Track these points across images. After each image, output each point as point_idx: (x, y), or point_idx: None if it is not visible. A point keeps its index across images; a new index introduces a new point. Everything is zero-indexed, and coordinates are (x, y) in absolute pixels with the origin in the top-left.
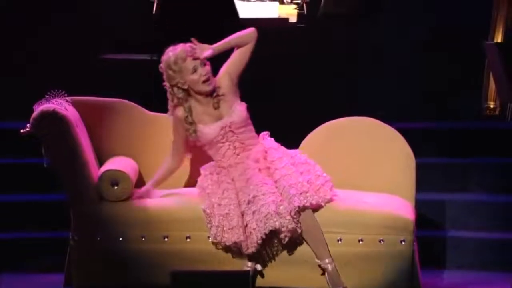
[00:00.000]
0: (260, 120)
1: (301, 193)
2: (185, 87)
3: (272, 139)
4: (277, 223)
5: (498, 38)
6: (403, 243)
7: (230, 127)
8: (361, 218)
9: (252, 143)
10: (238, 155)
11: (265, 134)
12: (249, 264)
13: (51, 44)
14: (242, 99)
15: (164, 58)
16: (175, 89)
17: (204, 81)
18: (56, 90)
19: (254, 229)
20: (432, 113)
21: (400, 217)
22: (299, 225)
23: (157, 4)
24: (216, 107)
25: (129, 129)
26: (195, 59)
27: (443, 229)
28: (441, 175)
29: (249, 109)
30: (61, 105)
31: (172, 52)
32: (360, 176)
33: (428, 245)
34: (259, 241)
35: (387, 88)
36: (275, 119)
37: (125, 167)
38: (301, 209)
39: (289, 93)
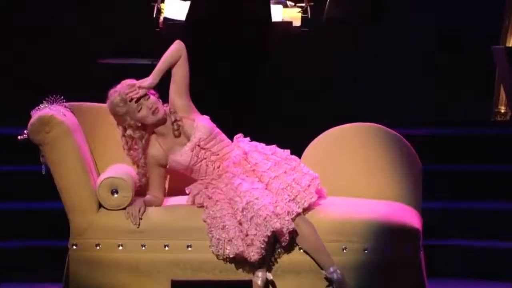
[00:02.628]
0: (260, 126)
1: (293, 198)
2: (138, 125)
3: (247, 139)
4: (277, 224)
5: (510, 43)
6: (409, 252)
7: (199, 145)
8: (367, 226)
9: (228, 150)
10: (218, 167)
11: (239, 136)
12: (260, 274)
13: (48, 49)
14: (245, 101)
15: (107, 105)
16: (130, 130)
17: (153, 112)
18: (54, 95)
19: (255, 235)
20: (439, 119)
21: (407, 225)
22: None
23: (189, 7)
24: (177, 135)
25: None
26: (137, 100)
27: (449, 238)
28: (447, 182)
29: (217, 118)
30: (59, 111)
31: (113, 97)
32: (365, 184)
33: (433, 254)
34: (262, 246)
35: (393, 94)
36: (276, 126)
37: (125, 175)
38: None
39: (292, 98)
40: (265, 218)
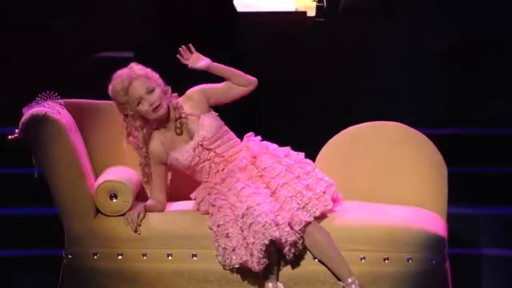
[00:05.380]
0: (271, 127)
1: (303, 207)
2: (138, 115)
3: (258, 138)
4: (276, 233)
5: None
6: (433, 262)
7: (202, 145)
8: (387, 234)
9: (235, 151)
10: (222, 170)
11: (249, 135)
12: (270, 285)
13: (40, 43)
14: (253, 101)
15: (109, 88)
16: (130, 119)
17: (154, 109)
18: (47, 92)
19: (253, 243)
20: (465, 118)
21: (431, 233)
22: (301, 238)
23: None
24: (179, 133)
25: None
26: (144, 91)
27: (478, 247)
28: (475, 186)
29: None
30: (54, 108)
31: (116, 81)
32: (385, 188)
33: (461, 265)
34: (260, 255)
35: (416, 91)
36: (288, 125)
37: (124, 178)
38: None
39: (305, 96)
40: (264, 225)
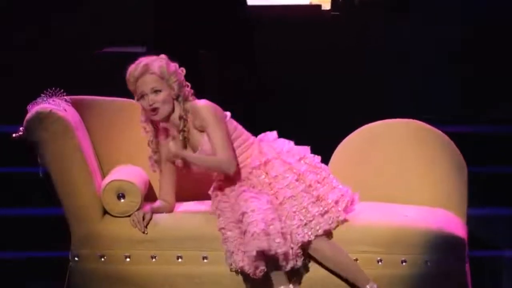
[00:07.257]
0: (282, 125)
1: (305, 224)
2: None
3: (273, 136)
4: (264, 243)
5: None
6: (453, 264)
7: None
8: (405, 235)
9: (241, 160)
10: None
11: (262, 137)
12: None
13: (44, 38)
14: (261, 100)
15: (128, 69)
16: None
17: (151, 110)
18: (53, 88)
19: (245, 252)
20: (486, 115)
21: (450, 234)
22: (301, 256)
23: None
24: (184, 146)
25: (137, 134)
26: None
27: (498, 249)
28: (497, 186)
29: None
30: (59, 105)
31: (132, 66)
32: (402, 188)
33: (480, 267)
34: (251, 265)
35: (435, 87)
36: (301, 124)
37: (133, 177)
38: (305, 243)
39: (318, 93)
40: (253, 234)
